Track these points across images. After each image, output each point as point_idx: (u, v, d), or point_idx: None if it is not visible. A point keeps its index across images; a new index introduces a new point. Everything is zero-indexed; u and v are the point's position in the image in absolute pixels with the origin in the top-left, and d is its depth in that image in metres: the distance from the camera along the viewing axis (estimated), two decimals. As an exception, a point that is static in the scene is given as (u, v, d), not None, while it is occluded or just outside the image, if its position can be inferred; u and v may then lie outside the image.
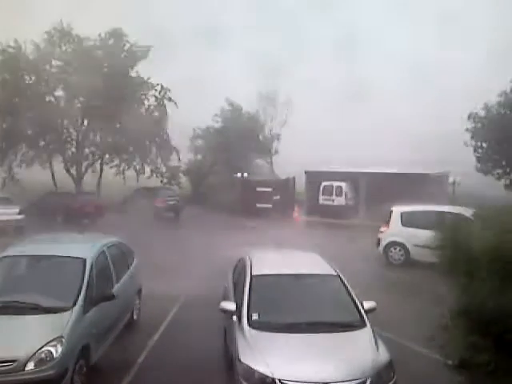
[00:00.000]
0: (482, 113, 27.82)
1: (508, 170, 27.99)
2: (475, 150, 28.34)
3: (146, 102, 32.22)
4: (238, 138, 33.25)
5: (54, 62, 29.65)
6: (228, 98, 36.94)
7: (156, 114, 32.14)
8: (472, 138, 28.15)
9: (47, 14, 32.08)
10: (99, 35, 30.01)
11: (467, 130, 28.04)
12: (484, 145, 28.05)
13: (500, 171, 28.14)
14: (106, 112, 27.91)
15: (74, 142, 31.14)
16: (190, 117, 32.30)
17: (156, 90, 31.91)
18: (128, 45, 30.41)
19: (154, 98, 32.24)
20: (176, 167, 33.53)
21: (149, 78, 31.30)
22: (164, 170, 33.03)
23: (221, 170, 31.37)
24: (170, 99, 31.88)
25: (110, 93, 27.61)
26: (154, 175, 32.70)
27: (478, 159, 28.46)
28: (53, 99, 29.77)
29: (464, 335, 4.89)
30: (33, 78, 28.88)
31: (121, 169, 32.17)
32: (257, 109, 38.10)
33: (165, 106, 32.05)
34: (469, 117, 27.84)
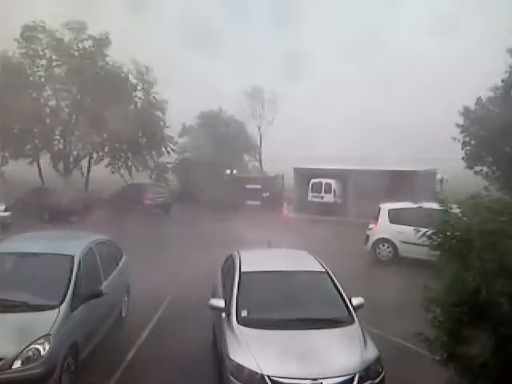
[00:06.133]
0: (473, 108, 27.83)
1: (494, 168, 28.11)
2: (463, 146, 28.51)
3: (136, 95, 32.09)
4: (223, 138, 33.39)
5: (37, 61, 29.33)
6: (203, 111, 36.52)
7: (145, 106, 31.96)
8: (461, 133, 28.25)
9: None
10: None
11: (457, 125, 28.11)
12: (472, 142, 28.14)
13: (487, 170, 28.26)
14: (93, 108, 27.59)
15: (61, 139, 30.78)
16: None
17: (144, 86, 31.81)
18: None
19: (141, 93, 32.14)
20: (163, 164, 33.34)
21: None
22: (153, 165, 32.82)
23: (209, 167, 31.28)
24: (154, 98, 31.84)
25: (96, 88, 27.27)
26: (144, 171, 32.47)
27: (466, 155, 28.65)
28: (35, 95, 29.29)
29: (455, 328, 4.90)
30: (19, 76, 28.26)
31: (109, 167, 31.92)
32: (244, 107, 38.57)
33: (154, 99, 31.96)
34: (463, 113, 27.87)
